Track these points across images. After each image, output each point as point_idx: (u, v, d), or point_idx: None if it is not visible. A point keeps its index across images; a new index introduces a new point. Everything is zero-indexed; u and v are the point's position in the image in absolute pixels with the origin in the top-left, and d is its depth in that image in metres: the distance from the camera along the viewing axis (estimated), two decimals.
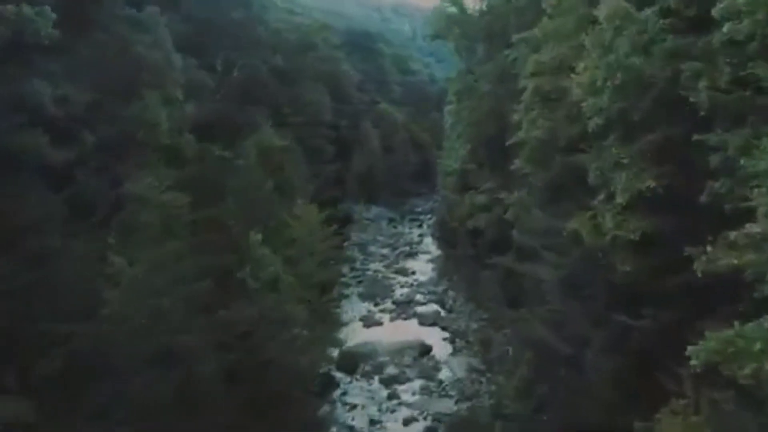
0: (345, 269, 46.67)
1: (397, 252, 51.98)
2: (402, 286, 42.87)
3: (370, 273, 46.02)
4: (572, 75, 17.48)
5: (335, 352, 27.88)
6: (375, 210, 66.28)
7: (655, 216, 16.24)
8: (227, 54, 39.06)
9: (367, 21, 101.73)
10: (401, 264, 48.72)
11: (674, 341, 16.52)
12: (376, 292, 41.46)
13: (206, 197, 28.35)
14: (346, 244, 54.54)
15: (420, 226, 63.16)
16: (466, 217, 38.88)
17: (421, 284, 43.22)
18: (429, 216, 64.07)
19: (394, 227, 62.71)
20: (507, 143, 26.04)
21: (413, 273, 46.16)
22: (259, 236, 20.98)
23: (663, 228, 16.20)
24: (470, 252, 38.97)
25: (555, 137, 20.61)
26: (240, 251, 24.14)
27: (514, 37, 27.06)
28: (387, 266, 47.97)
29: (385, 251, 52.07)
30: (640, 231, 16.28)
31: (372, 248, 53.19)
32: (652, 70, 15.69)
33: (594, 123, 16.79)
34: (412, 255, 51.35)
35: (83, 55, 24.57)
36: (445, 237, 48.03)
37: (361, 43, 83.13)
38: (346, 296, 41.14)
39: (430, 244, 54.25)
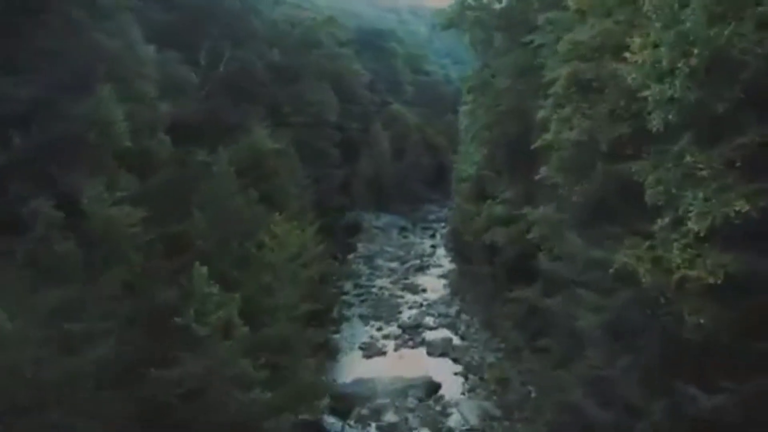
0: (348, 286, 42.24)
1: (406, 265, 47.31)
2: (410, 307, 38.19)
3: (375, 290, 41.40)
4: (628, 54, 12.78)
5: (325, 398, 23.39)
6: (385, 218, 61.73)
7: (746, 251, 11.57)
8: (215, 46, 34.84)
9: (382, 21, 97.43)
10: (410, 279, 44.03)
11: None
12: (380, 314, 36.87)
13: (175, 211, 24.18)
14: (351, 256, 50.19)
15: (433, 235, 58.46)
16: (483, 230, 34.19)
17: (431, 304, 38.52)
18: (443, 224, 59.43)
19: (405, 237, 58.04)
20: (531, 147, 21.36)
21: (423, 290, 41.46)
22: (205, 269, 16.51)
23: (757, 268, 11.52)
24: (486, 270, 34.30)
25: (595, 139, 15.93)
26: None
27: (540, 19, 22.41)
28: (394, 282, 43.32)
29: (393, 265, 47.41)
30: (723, 271, 11.64)
31: (379, 261, 48.59)
32: (743, 44, 11.03)
33: (658, 119, 12.10)
34: (422, 269, 46.63)
35: (25, 44, 20.73)
36: (458, 249, 43.37)
37: (373, 42, 79.04)
38: (347, 319, 36.66)
39: (442, 256, 49.52)
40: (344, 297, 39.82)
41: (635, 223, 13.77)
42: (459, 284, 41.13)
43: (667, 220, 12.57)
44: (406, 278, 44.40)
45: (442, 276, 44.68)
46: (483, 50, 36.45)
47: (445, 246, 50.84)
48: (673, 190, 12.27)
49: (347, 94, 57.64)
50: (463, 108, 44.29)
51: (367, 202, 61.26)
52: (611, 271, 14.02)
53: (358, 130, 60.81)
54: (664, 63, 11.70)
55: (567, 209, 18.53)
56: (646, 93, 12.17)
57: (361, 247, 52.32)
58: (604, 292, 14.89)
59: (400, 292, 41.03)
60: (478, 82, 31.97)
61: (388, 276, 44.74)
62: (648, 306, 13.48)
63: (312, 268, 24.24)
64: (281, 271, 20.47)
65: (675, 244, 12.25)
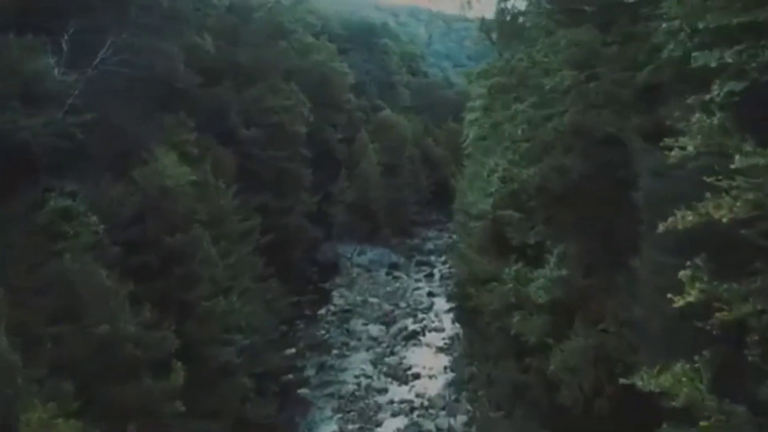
0: (310, 368, 29.93)
1: (394, 329, 34.84)
2: (394, 413, 25.80)
3: (348, 377, 29.08)
4: None
5: None
6: (371, 252, 49.32)
7: None
8: (91, 30, 22.48)
9: (374, 16, 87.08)
10: (398, 355, 31.63)
11: None
12: (349, 427, 24.67)
13: None
14: (323, 311, 38.05)
15: (430, 275, 46.27)
16: (507, 308, 21.98)
17: (426, 407, 26.23)
18: (443, 259, 47.47)
19: (395, 278, 45.60)
20: (660, 229, 9.13)
21: (416, 377, 29.14)
22: None
23: None
24: (513, 374, 22.09)
25: None
26: None
27: None
28: (376, 360, 30.91)
29: (376, 330, 34.84)
30: None
31: (358, 322, 36.13)
32: None
33: None
34: (415, 336, 34.13)
35: None
36: (465, 313, 31.17)
37: (362, 37, 68.08)
38: None
39: (442, 312, 37.25)
40: (302, 391, 27.55)
41: None
42: (467, 368, 28.94)
43: None
44: (392, 351, 32.08)
45: (443, 349, 32.47)
46: (505, 34, 24.31)
47: (447, 295, 38.71)
48: None
49: (325, 98, 46.60)
50: (471, 115, 32.07)
51: (348, 232, 49.25)
52: None
53: (341, 142, 49.75)
54: None
55: None
56: None
57: (337, 297, 40.12)
58: None
59: (382, 381, 28.70)
60: (505, 78, 19.47)
61: (368, 349, 32.37)
62: None
63: None
64: None
65: None
